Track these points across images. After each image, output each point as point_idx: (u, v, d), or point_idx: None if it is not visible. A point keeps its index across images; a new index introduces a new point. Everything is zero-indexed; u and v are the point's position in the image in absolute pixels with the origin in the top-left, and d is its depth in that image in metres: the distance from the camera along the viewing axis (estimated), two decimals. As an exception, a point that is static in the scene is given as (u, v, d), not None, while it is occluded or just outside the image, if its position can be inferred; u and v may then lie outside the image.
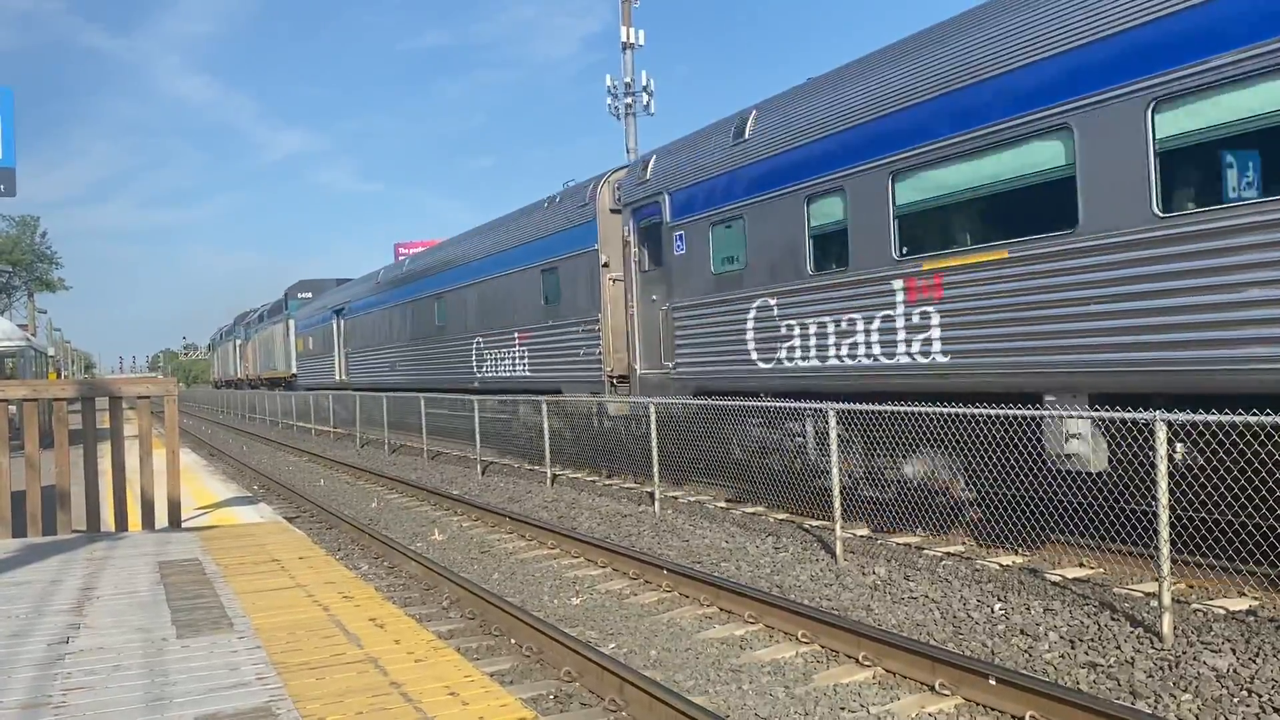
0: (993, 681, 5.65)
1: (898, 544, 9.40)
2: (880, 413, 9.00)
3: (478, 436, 18.27)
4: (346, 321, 31.57)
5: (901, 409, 8.77)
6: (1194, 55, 6.92)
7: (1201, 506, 7.12)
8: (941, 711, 5.70)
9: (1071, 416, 7.59)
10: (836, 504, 9.32)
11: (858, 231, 10.00)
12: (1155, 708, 5.50)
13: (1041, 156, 8.14)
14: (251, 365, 53.19)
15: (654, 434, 12.49)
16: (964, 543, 9.25)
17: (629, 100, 29.60)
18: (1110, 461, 7.78)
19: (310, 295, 40.73)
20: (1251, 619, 6.54)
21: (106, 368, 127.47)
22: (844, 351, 10.19)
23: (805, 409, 10.23)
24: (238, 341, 60.39)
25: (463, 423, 19.98)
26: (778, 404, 10.67)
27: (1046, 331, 8.06)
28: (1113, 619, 6.83)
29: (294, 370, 40.31)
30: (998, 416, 7.95)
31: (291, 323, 40.89)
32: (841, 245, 10.29)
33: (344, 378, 31.72)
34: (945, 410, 8.31)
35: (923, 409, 8.57)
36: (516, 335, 18.41)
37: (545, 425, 15.74)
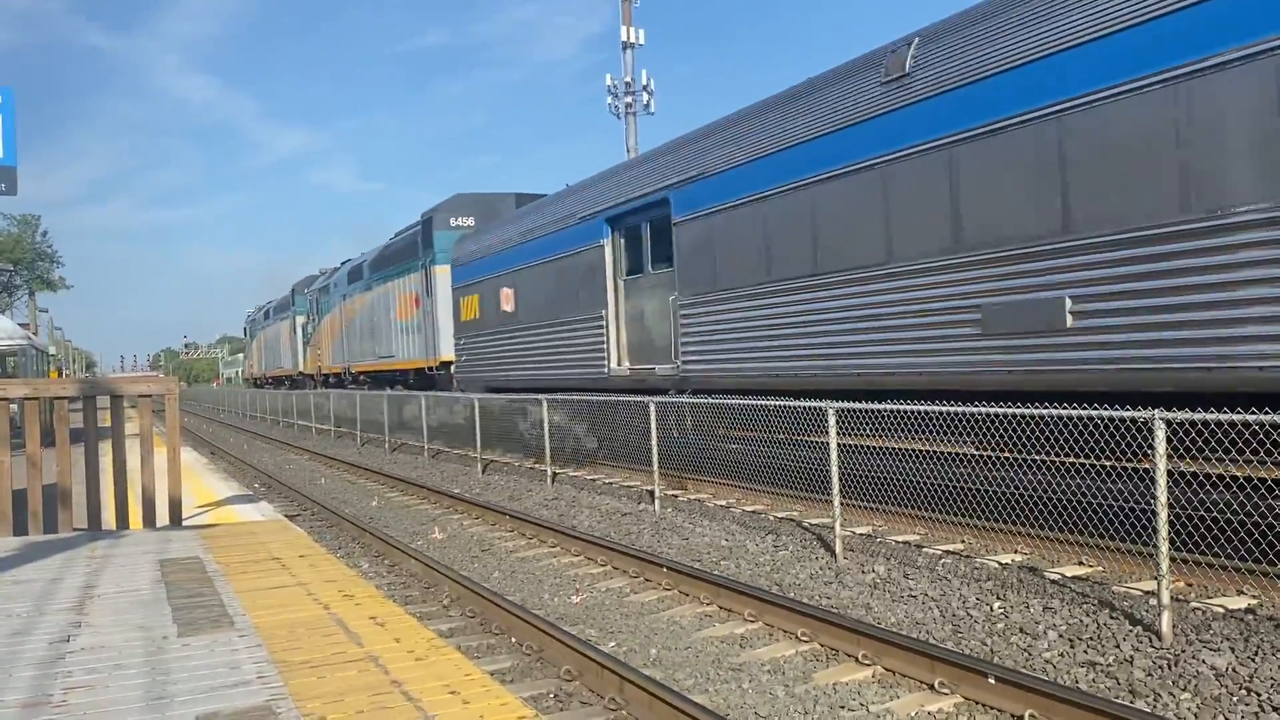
0: (992, 680, 5.66)
1: (897, 542, 9.40)
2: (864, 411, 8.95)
3: (478, 437, 18.29)
4: (696, 230, 12.98)
5: (896, 407, 8.79)
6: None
7: (1200, 505, 7.12)
8: (941, 710, 5.71)
9: (1077, 415, 7.59)
10: (836, 502, 9.33)
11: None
12: (1154, 706, 5.51)
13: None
14: (328, 352, 35.54)
15: (654, 431, 12.47)
16: (963, 540, 9.25)
17: (629, 100, 29.62)
18: None
19: (472, 221, 23.84)
20: (1250, 617, 6.54)
21: (108, 367, 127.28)
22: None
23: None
24: (298, 319, 41.47)
25: None
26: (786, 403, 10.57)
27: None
28: (1112, 617, 6.84)
29: (442, 355, 23.57)
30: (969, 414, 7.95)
31: (440, 273, 23.58)
32: None
33: (681, 363, 13.43)
34: (960, 409, 8.33)
35: (917, 407, 8.59)
36: None
37: (545, 422, 15.76)
